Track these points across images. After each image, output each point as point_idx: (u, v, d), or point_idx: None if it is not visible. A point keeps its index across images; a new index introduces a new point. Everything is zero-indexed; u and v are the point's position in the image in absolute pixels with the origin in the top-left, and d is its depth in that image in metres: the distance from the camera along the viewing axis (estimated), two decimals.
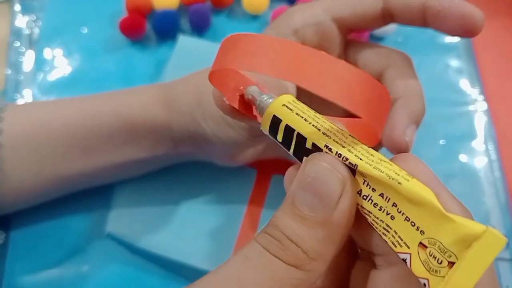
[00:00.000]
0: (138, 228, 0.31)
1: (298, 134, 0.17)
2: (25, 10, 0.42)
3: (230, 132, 0.24)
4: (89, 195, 0.32)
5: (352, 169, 0.16)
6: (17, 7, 0.42)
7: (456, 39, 0.41)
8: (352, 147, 0.16)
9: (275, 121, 0.17)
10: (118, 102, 0.28)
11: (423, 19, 0.23)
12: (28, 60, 0.40)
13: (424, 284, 0.14)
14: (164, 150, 0.28)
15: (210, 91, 0.21)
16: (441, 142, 0.37)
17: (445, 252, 0.14)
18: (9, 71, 0.39)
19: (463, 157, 0.37)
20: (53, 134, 0.27)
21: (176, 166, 0.32)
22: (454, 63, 0.40)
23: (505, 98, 0.40)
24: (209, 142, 0.26)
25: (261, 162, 0.33)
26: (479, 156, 0.37)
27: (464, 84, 0.40)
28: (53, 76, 0.39)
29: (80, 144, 0.27)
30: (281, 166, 0.33)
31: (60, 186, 0.29)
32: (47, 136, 0.27)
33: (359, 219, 0.17)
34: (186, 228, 0.31)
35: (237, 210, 0.32)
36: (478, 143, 0.37)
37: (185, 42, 0.37)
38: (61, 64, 0.39)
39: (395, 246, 0.15)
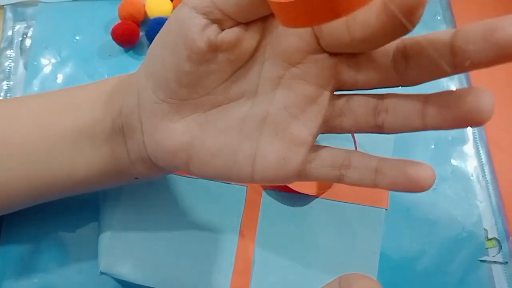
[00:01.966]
0: (132, 263, 0.30)
1: None
2: (17, 18, 0.42)
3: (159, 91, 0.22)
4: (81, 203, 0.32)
5: None
6: (9, 15, 0.42)
7: None
8: None
9: None
10: (77, 114, 0.26)
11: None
12: (19, 66, 0.40)
13: None
14: (118, 151, 0.26)
15: (156, 56, 0.21)
16: (433, 146, 0.37)
17: None
18: (0, 76, 0.39)
19: (454, 161, 0.37)
20: (7, 145, 0.27)
21: (163, 192, 0.31)
22: None
23: (495, 101, 0.41)
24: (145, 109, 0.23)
25: None
26: (470, 159, 0.37)
27: (455, 88, 0.40)
28: (44, 83, 0.39)
29: (35, 157, 0.26)
30: None
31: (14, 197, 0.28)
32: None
33: None
34: (182, 257, 0.30)
35: (231, 229, 0.32)
36: (469, 147, 0.38)
37: None
38: (53, 71, 0.39)
39: None
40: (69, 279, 0.33)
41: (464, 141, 0.38)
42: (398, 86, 0.20)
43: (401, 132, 0.20)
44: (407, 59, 0.19)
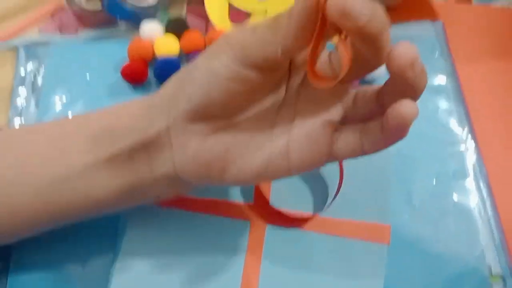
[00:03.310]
0: None
1: None
2: (30, 57, 0.44)
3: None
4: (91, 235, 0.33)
5: None
6: (22, 54, 0.44)
7: (443, 81, 0.44)
8: None
9: None
10: (94, 137, 0.28)
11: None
12: (31, 105, 0.41)
13: None
14: (141, 170, 0.27)
15: (192, 76, 0.24)
16: (434, 181, 0.38)
17: None
18: (12, 114, 0.41)
19: (456, 196, 0.38)
20: (23, 168, 0.28)
21: (167, 227, 0.32)
22: (444, 104, 0.42)
23: (494, 137, 0.42)
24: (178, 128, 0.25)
25: (254, 213, 0.33)
26: (471, 194, 0.38)
27: (455, 124, 0.41)
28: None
29: (51, 181, 0.27)
30: (275, 216, 0.34)
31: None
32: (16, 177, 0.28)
33: None
34: None
35: (235, 266, 0.32)
36: (470, 182, 0.39)
37: None
38: (64, 109, 0.41)
39: None
40: None
41: (465, 175, 0.39)
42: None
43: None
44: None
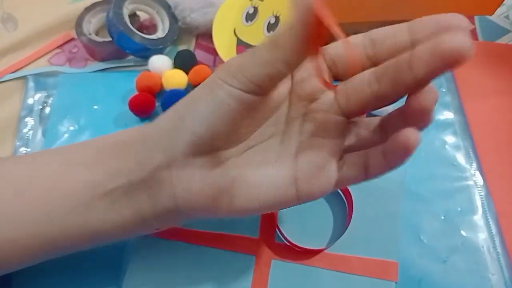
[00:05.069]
0: None
1: None
2: (38, 87, 0.45)
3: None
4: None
5: None
6: (31, 84, 0.45)
7: (450, 116, 0.45)
8: None
9: None
10: (89, 170, 0.28)
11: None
12: (37, 134, 0.42)
13: None
14: (140, 204, 0.27)
15: (194, 108, 0.24)
16: (442, 217, 0.39)
17: None
18: (18, 143, 0.42)
19: (464, 232, 0.38)
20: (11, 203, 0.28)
21: (173, 263, 0.33)
22: (451, 139, 0.43)
23: (503, 173, 0.43)
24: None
25: (260, 247, 0.34)
26: (480, 230, 0.39)
27: (462, 159, 0.42)
28: None
29: (50, 214, 0.28)
30: (281, 250, 0.34)
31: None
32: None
33: None
34: None
35: None
36: (479, 218, 0.39)
37: None
38: (70, 138, 0.42)
39: None
40: None
41: (473, 211, 0.40)
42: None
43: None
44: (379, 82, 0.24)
